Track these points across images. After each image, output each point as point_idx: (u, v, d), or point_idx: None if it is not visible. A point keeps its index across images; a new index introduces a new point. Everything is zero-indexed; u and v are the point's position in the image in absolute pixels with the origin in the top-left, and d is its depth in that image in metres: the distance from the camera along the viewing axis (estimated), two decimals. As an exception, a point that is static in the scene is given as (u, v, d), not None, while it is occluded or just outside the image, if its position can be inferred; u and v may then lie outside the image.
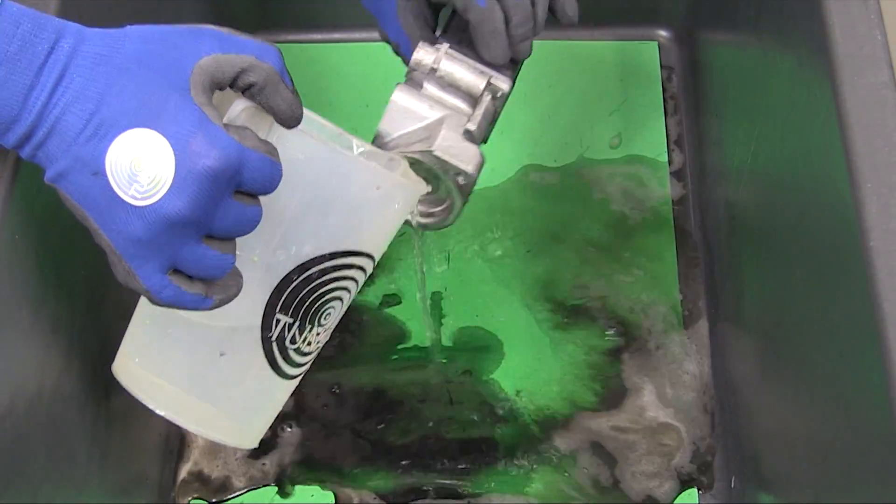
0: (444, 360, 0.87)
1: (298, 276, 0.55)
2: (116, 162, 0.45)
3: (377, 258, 0.59)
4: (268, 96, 0.49)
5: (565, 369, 0.86)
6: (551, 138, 0.96)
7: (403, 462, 0.82)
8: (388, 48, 0.67)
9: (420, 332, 0.88)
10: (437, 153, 0.62)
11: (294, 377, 0.60)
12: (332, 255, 0.55)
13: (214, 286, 0.49)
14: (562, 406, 0.84)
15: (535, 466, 0.82)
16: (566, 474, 0.82)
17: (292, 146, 0.52)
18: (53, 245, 0.63)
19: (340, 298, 0.58)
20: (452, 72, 0.63)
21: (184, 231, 0.46)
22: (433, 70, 0.63)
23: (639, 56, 1.01)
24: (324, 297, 0.57)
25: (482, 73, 0.63)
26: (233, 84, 0.48)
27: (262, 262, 0.54)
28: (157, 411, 0.57)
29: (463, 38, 0.65)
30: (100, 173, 0.45)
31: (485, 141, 0.65)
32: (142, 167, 0.45)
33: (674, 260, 0.90)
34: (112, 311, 0.72)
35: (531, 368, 0.86)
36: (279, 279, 0.55)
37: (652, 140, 0.97)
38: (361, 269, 0.58)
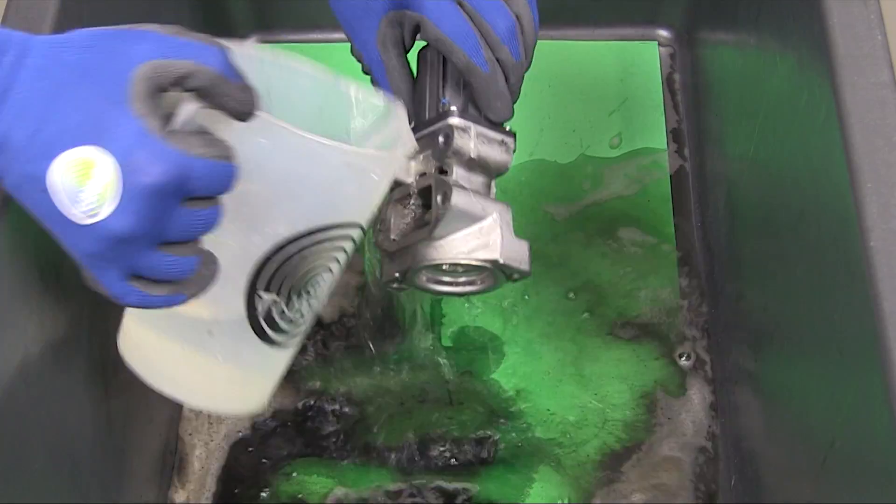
0: (443, 361, 0.87)
1: (276, 256, 0.54)
2: (59, 181, 0.45)
3: (365, 224, 0.58)
4: (214, 99, 0.47)
5: (565, 369, 0.86)
6: (551, 138, 0.97)
7: (403, 462, 0.82)
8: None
9: (420, 332, 0.88)
10: (502, 262, 0.63)
11: (291, 344, 0.60)
12: (310, 233, 0.55)
13: (184, 282, 0.49)
14: (562, 406, 0.84)
15: (535, 467, 0.82)
16: (567, 475, 0.82)
17: (255, 131, 0.50)
18: (53, 245, 0.63)
19: (329, 269, 0.57)
20: (486, 156, 0.65)
21: (134, 245, 0.46)
22: (470, 158, 0.64)
23: (639, 56, 1.01)
24: (308, 270, 0.56)
25: (504, 144, 0.66)
26: (178, 84, 0.47)
27: (238, 245, 0.54)
28: (155, 387, 0.57)
29: (465, 93, 0.65)
30: (46, 191, 0.45)
31: None
32: (86, 185, 0.44)
33: (674, 259, 0.90)
34: (113, 311, 0.72)
35: (531, 368, 0.86)
36: (257, 260, 0.54)
37: (652, 140, 0.97)
38: (348, 237, 0.57)
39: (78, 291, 0.67)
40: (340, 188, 0.55)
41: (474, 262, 0.63)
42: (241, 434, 0.84)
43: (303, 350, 0.87)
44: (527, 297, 0.89)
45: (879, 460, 0.53)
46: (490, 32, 0.62)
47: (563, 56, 1.00)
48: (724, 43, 0.90)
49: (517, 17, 0.63)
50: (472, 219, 0.63)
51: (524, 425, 0.84)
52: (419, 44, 0.67)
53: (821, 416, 0.62)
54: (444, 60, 0.66)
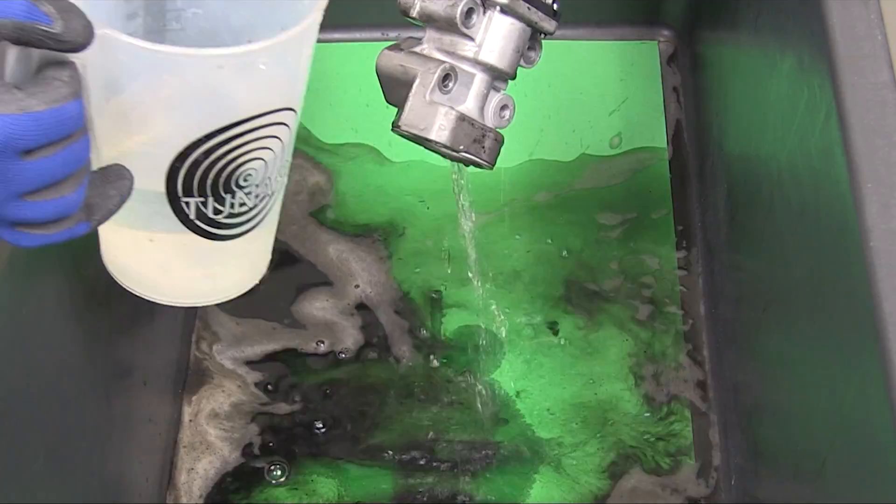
0: (444, 360, 0.87)
1: (182, 163, 0.53)
2: None
3: (293, 106, 0.55)
4: (30, 44, 0.44)
5: (565, 369, 0.86)
6: (552, 138, 0.96)
7: (402, 463, 0.82)
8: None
9: (422, 330, 0.88)
10: (403, 128, 0.59)
11: (252, 228, 0.58)
12: (209, 136, 0.53)
13: (86, 209, 0.47)
14: (562, 406, 0.84)
15: (535, 467, 0.82)
16: (567, 475, 0.82)
17: (111, 49, 0.49)
18: (54, 245, 0.63)
19: (262, 159, 0.56)
20: (428, 10, 0.59)
21: None
22: (419, 15, 0.59)
23: (639, 56, 1.01)
24: (230, 168, 0.55)
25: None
26: None
27: (144, 153, 0.53)
28: (131, 289, 0.58)
29: None
30: None
31: (512, 76, 0.62)
32: None
33: (674, 260, 0.90)
34: (113, 309, 0.72)
35: (531, 368, 0.86)
36: (166, 169, 0.53)
37: (652, 139, 0.97)
38: (271, 125, 0.55)
39: (78, 289, 0.67)
40: (223, 89, 0.52)
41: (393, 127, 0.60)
42: (241, 434, 0.84)
43: (304, 354, 0.87)
44: (528, 296, 0.89)
45: (879, 460, 0.53)
46: None
47: (563, 56, 1.00)
48: (724, 43, 0.90)
49: None
50: (403, 83, 0.60)
51: (524, 425, 0.84)
52: None
53: (821, 416, 0.62)
54: None
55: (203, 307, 0.89)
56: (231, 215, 0.56)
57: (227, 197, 0.55)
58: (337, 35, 1.00)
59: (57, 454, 0.64)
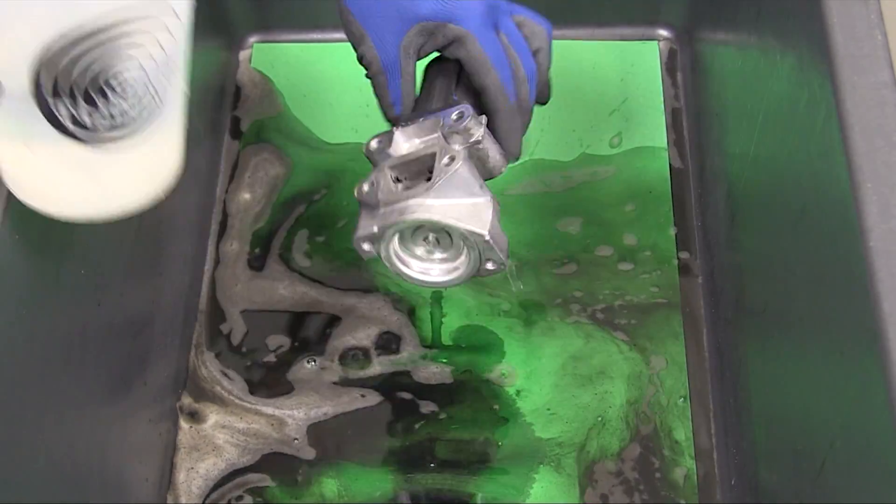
0: (444, 360, 0.87)
1: (46, 62, 0.53)
2: None
3: (181, 15, 0.55)
4: None
5: (566, 369, 0.86)
6: (551, 138, 0.96)
7: (402, 463, 0.82)
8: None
9: (421, 330, 0.88)
10: (488, 238, 0.63)
11: (139, 132, 0.57)
12: (72, 34, 0.52)
13: None
14: (562, 406, 0.84)
15: (535, 467, 0.82)
16: (567, 474, 0.82)
17: None
18: (53, 245, 0.63)
19: (134, 59, 0.54)
20: (488, 149, 0.65)
21: None
22: (474, 143, 0.64)
23: (639, 56, 1.01)
24: (93, 66, 0.54)
25: (503, 158, 0.66)
26: None
27: (7, 51, 0.52)
28: (23, 201, 0.57)
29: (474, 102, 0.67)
30: None
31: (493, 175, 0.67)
32: None
33: (674, 261, 0.90)
34: (112, 310, 0.72)
35: (531, 368, 0.86)
36: (30, 69, 0.53)
37: (652, 139, 0.97)
38: (142, 32, 0.54)
39: (78, 290, 0.67)
40: None
41: (463, 229, 0.63)
42: (239, 434, 0.84)
43: (303, 360, 0.87)
44: (528, 297, 0.89)
45: (879, 460, 0.53)
46: (520, 68, 0.65)
47: (563, 56, 0.99)
48: (724, 43, 0.90)
49: (536, 51, 0.66)
50: (469, 192, 0.63)
51: (524, 425, 0.84)
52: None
53: (821, 416, 0.62)
54: (459, 73, 0.68)
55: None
56: (108, 117, 0.55)
57: (102, 101, 0.54)
58: (337, 35, 0.99)
59: (57, 454, 0.64)
